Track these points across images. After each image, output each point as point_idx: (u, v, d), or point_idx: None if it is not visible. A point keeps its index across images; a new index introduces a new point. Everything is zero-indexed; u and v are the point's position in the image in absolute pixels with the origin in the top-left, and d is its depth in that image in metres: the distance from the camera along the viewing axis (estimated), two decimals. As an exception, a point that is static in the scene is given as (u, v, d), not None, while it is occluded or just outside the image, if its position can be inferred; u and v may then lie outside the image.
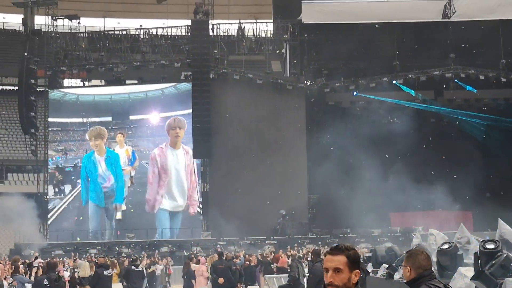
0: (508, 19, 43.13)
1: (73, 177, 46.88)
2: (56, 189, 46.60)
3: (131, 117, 48.18)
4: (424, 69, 45.37)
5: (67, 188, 46.70)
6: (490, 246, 12.13)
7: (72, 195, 46.23)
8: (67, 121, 48.68)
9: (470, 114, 47.52)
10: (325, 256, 4.83)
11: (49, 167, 46.75)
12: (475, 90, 45.64)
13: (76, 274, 21.92)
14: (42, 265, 20.22)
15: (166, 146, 45.19)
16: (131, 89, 49.33)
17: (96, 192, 44.85)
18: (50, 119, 47.54)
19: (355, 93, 45.92)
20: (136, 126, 47.63)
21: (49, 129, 47.55)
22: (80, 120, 48.53)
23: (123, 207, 44.87)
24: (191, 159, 44.55)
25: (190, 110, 45.39)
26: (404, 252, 19.44)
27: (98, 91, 50.11)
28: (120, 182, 44.79)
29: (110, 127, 47.34)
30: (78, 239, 43.69)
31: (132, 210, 45.33)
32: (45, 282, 15.99)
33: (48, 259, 25.69)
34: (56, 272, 16.57)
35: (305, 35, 45.78)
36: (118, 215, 44.61)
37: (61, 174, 46.96)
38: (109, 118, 48.19)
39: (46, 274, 16.48)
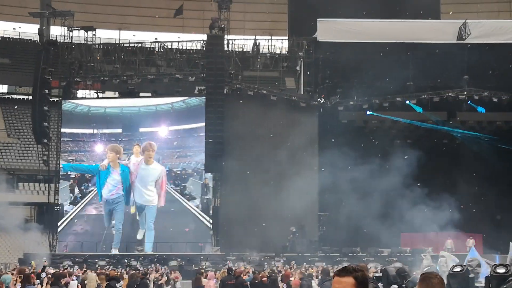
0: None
1: (83, 187, 47.43)
2: (72, 196, 47.34)
3: (141, 130, 48.65)
4: (438, 90, 45.34)
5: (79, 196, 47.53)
6: (501, 270, 12.08)
7: (82, 203, 46.78)
8: (78, 132, 49.14)
9: (482, 136, 47.40)
10: (333, 277, 4.83)
11: (71, 176, 47.57)
12: (483, 110, 45.55)
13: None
14: (49, 275, 20.24)
15: (142, 161, 45.78)
16: (141, 102, 49.78)
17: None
18: (61, 130, 47.96)
19: (368, 112, 45.88)
20: (146, 138, 47.91)
21: (61, 139, 47.94)
22: (90, 131, 48.99)
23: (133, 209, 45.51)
24: (162, 172, 45.69)
25: (198, 124, 46.22)
26: (414, 273, 19.40)
27: (109, 103, 50.58)
28: (128, 192, 45.28)
29: (120, 139, 47.91)
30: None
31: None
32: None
33: (56, 270, 25.76)
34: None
35: (320, 53, 45.86)
36: (132, 209, 45.35)
37: (80, 182, 47.82)
38: (119, 130, 48.79)
39: (55, 285, 16.52)
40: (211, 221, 45.42)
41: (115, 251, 44.16)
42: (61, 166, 47.22)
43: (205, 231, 45.54)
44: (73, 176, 47.99)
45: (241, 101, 45.31)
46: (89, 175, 47.53)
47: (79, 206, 46.85)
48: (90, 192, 47.04)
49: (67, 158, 48.30)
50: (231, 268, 26.91)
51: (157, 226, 45.09)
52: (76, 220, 46.59)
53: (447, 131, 47.13)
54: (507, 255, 20.37)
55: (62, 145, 47.99)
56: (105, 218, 45.61)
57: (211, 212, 45.81)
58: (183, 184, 47.37)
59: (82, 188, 47.49)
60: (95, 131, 49.05)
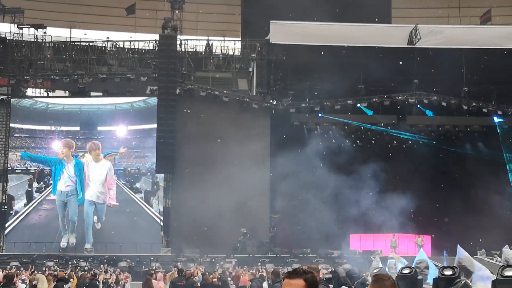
0: (472, 48, 43.89)
1: (46, 179, 47.51)
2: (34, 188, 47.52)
3: (99, 128, 48.55)
4: (388, 94, 45.85)
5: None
6: (448, 272, 12.32)
7: (34, 202, 46.57)
8: (36, 128, 48.78)
9: (431, 139, 48.15)
10: (283, 279, 4.87)
11: (30, 170, 47.63)
12: (432, 114, 46.22)
13: None
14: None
15: (91, 160, 45.70)
16: (100, 101, 49.53)
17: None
18: (18, 126, 47.92)
19: (319, 115, 46.21)
20: (104, 137, 47.86)
21: (17, 135, 47.66)
22: (48, 128, 48.60)
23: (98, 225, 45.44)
24: (110, 169, 45.76)
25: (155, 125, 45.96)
26: (364, 274, 19.58)
27: (68, 101, 50.04)
28: (82, 186, 45.01)
29: (77, 137, 47.71)
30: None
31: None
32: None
33: (9, 271, 25.35)
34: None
35: (272, 54, 46.02)
36: (98, 226, 45.36)
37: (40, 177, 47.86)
38: (77, 128, 48.71)
39: (7, 287, 16.22)
40: (153, 211, 45.79)
41: (72, 239, 44.37)
42: (19, 154, 46.98)
43: (142, 211, 45.98)
44: (32, 171, 47.64)
45: (190, 106, 45.25)
46: (48, 170, 47.28)
47: (44, 193, 46.91)
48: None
49: (24, 155, 48.30)
50: (181, 269, 26.78)
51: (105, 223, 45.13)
52: (44, 202, 46.71)
53: (397, 134, 47.77)
54: (455, 257, 20.69)
55: (19, 141, 47.64)
56: (58, 210, 45.41)
57: (152, 202, 46.29)
58: (132, 180, 47.39)
59: (46, 180, 47.39)
60: (53, 128, 48.83)
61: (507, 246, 33.30)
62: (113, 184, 46.05)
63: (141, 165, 47.96)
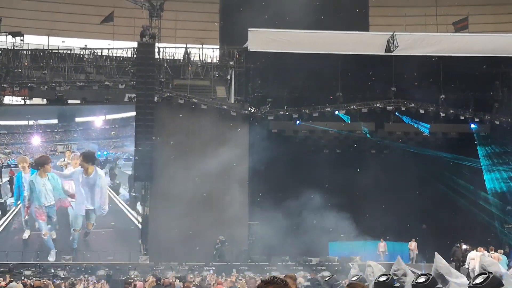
0: (448, 55, 44.22)
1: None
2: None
3: (77, 120, 48.50)
4: (366, 101, 46.02)
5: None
6: (421, 280, 12.37)
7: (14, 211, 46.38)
8: (13, 124, 48.57)
9: (409, 146, 48.39)
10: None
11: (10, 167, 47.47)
12: (409, 121, 46.34)
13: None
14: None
15: (83, 174, 45.62)
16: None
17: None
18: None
19: (298, 122, 46.28)
20: (82, 128, 47.76)
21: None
22: (26, 122, 48.42)
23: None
24: (101, 178, 45.71)
25: (133, 113, 45.88)
26: (343, 282, 19.62)
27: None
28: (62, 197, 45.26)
29: (56, 130, 47.57)
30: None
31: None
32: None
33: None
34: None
35: (251, 62, 46.07)
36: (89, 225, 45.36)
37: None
38: (55, 121, 48.66)
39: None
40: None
41: (25, 234, 44.70)
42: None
43: (134, 240, 45.30)
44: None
45: (171, 110, 45.20)
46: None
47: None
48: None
49: (4, 151, 47.83)
50: (159, 277, 26.70)
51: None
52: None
53: (375, 142, 47.97)
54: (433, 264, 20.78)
55: (-2, 138, 47.79)
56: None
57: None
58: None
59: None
60: (31, 122, 48.60)
61: (484, 253, 33.52)
62: (106, 192, 46.02)
63: (113, 154, 47.97)
